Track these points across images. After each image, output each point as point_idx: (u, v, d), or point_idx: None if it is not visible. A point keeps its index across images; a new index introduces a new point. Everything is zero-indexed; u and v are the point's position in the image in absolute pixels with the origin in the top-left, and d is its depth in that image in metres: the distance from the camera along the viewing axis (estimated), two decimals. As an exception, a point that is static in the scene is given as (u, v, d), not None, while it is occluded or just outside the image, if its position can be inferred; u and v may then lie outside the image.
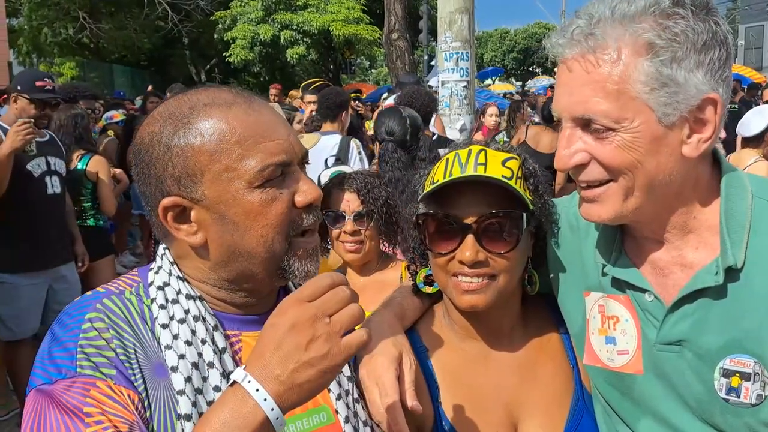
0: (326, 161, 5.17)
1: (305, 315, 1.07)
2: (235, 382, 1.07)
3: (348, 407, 1.42)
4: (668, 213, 1.41)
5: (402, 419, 1.40)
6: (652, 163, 1.31)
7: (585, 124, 1.34)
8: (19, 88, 4.98)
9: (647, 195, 1.35)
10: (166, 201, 1.27)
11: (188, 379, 1.23)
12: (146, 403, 1.20)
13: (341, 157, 5.55)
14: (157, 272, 1.35)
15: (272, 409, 1.04)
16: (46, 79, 5.20)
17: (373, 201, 2.84)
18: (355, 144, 6.00)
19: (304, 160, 1.34)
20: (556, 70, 1.46)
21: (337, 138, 5.98)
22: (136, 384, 1.20)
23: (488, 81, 29.29)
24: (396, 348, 1.52)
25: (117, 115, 10.08)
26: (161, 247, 1.39)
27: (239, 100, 1.31)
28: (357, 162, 5.91)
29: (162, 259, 1.37)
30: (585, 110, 1.32)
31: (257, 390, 1.05)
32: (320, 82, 9.71)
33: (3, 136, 4.74)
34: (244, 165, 1.25)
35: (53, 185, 5.11)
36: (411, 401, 1.44)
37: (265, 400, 1.04)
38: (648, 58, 1.27)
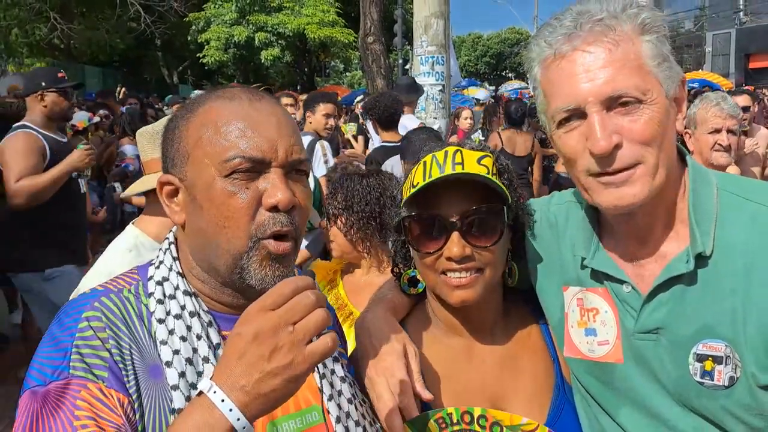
0: None
1: (268, 324, 1.07)
2: (201, 392, 1.08)
3: (340, 407, 1.44)
4: (664, 195, 1.46)
5: (416, 413, 1.50)
6: (668, 135, 1.41)
7: (611, 104, 1.37)
8: (44, 84, 5.06)
9: (665, 170, 1.41)
10: (163, 177, 1.37)
11: (182, 374, 1.25)
12: (136, 406, 1.22)
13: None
14: (158, 267, 1.38)
15: (238, 419, 1.05)
16: (61, 70, 5.41)
17: (331, 200, 2.87)
18: (320, 146, 5.89)
19: (293, 166, 1.33)
20: (534, 73, 1.50)
21: (307, 139, 5.91)
22: (128, 386, 1.22)
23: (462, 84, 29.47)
24: (399, 342, 1.58)
25: (81, 123, 9.96)
26: (166, 242, 1.42)
27: (245, 96, 1.35)
28: (321, 165, 5.81)
29: (165, 254, 1.40)
30: (614, 87, 1.36)
31: (222, 400, 1.05)
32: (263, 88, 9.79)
33: (43, 140, 4.88)
34: (218, 153, 1.28)
35: (81, 186, 5.35)
36: (422, 391, 1.53)
37: (230, 410, 1.05)
38: (647, 36, 1.39)
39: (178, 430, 1.07)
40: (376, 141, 6.89)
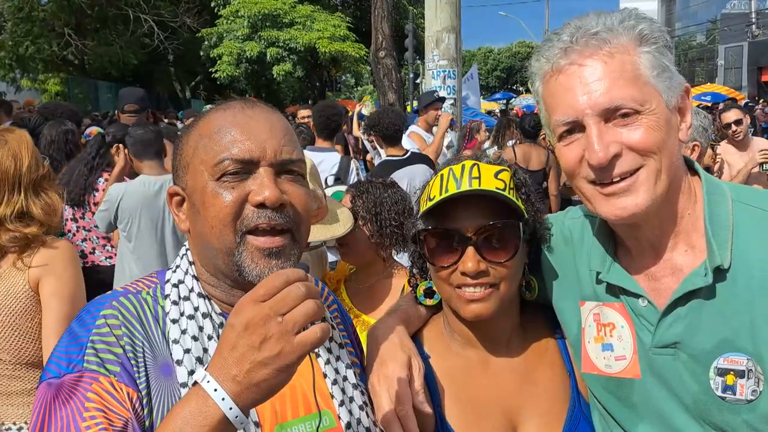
0: (326, 180, 5.20)
1: (258, 315, 1.09)
2: (196, 382, 1.11)
3: (351, 413, 1.45)
4: (672, 206, 1.46)
5: (414, 424, 1.47)
6: (669, 143, 1.40)
7: (609, 115, 1.38)
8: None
9: (668, 178, 1.41)
10: (170, 188, 1.45)
11: (191, 373, 1.29)
12: (145, 401, 1.26)
13: (341, 177, 5.57)
14: (174, 271, 1.43)
15: (230, 408, 1.08)
16: None
17: (361, 205, 2.92)
18: (354, 165, 6.05)
19: (284, 166, 1.36)
20: (536, 88, 1.51)
21: (336, 157, 6.00)
22: (138, 382, 1.26)
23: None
24: (404, 353, 1.58)
25: (94, 131, 10.03)
26: (183, 248, 1.47)
27: (238, 105, 1.41)
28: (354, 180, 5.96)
29: (182, 259, 1.45)
30: (611, 99, 1.37)
31: (215, 390, 1.08)
32: None
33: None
34: (210, 158, 1.34)
35: None
36: (422, 405, 1.50)
37: (223, 399, 1.08)
38: (645, 47, 1.39)
39: (174, 418, 1.10)
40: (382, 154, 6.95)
